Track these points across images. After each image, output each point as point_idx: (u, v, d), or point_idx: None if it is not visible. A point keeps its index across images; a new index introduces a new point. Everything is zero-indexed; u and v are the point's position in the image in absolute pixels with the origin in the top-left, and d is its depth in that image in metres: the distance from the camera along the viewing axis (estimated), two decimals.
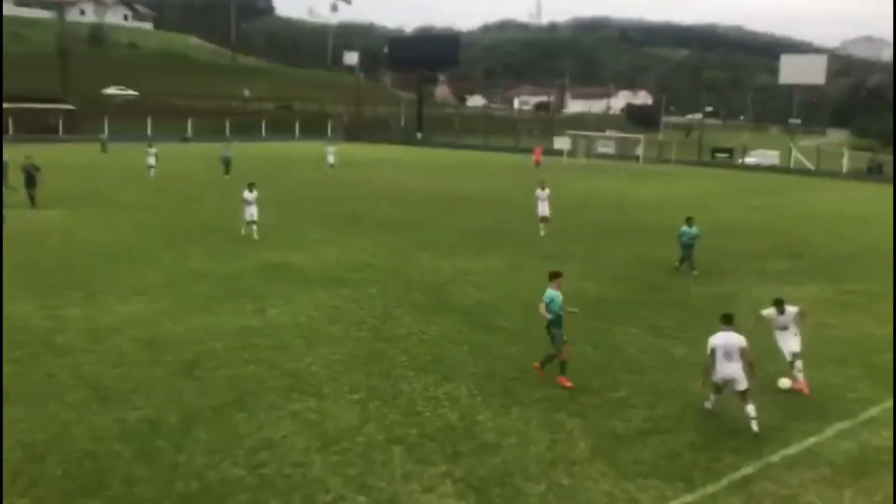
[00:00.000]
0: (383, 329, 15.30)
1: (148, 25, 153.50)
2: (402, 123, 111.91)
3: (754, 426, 10.66)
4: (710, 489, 9.36)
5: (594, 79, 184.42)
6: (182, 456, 9.67)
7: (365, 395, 11.80)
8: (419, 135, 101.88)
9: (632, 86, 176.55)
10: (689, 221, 21.24)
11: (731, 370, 10.83)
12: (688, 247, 21.17)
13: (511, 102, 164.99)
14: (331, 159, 49.77)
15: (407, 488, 9.11)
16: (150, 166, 42.20)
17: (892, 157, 61.42)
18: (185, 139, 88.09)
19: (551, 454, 10.11)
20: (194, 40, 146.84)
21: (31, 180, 30.21)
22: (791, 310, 12.78)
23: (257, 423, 10.69)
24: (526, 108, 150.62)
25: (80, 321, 15.15)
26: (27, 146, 42.23)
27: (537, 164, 58.58)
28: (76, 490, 8.77)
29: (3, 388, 11.59)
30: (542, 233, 26.77)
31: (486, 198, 38.17)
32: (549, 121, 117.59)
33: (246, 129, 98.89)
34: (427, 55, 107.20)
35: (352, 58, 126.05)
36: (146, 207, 31.47)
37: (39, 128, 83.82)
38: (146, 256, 21.56)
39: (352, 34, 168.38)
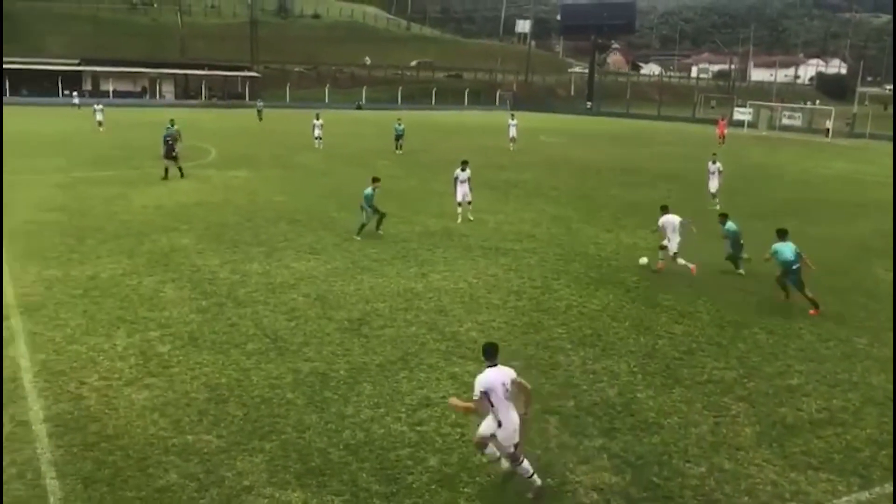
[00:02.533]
0: (542, 300, 15.29)
1: None
2: (572, 93, 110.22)
3: None
4: (888, 488, 8.72)
5: (780, 46, 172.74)
6: (349, 408, 10.20)
7: (522, 364, 11.84)
8: (589, 104, 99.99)
9: (823, 54, 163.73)
10: None
11: None
12: None
13: (688, 70, 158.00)
14: (512, 132, 46.32)
15: (562, 458, 9.13)
16: (317, 137, 42.56)
17: None
18: (358, 107, 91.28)
19: (713, 437, 9.77)
20: (371, 10, 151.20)
21: (169, 150, 29.14)
22: None
23: (418, 383, 11.06)
24: (704, 76, 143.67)
25: (260, 276, 16.24)
26: (211, 111, 45.27)
27: (722, 138, 53.40)
28: (254, 432, 9.48)
29: (193, 334, 12.68)
30: (716, 207, 25.64)
31: (657, 170, 36.98)
32: (729, 90, 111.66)
33: (416, 97, 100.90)
34: (601, 22, 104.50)
35: (524, 26, 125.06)
36: (323, 172, 33.07)
37: (230, 94, 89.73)
38: (322, 218, 22.69)
39: (525, 2, 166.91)
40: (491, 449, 8.46)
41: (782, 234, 15.30)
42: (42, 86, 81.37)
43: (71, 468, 8.43)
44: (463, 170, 22.70)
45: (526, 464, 8.29)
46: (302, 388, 10.75)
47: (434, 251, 19.00)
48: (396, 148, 41.48)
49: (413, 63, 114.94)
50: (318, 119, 43.74)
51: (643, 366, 12.03)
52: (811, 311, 14.74)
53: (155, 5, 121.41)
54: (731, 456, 9.31)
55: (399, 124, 42.36)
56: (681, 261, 17.17)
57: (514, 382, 8.14)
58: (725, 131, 55.17)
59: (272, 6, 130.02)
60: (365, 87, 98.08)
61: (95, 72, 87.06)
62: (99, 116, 50.31)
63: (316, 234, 20.46)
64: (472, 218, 22.81)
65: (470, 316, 14.10)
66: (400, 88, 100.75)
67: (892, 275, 17.95)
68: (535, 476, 8.29)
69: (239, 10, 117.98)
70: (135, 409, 9.93)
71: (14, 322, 12.87)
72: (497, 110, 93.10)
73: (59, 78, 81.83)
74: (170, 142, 28.94)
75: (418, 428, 9.73)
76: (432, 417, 10.01)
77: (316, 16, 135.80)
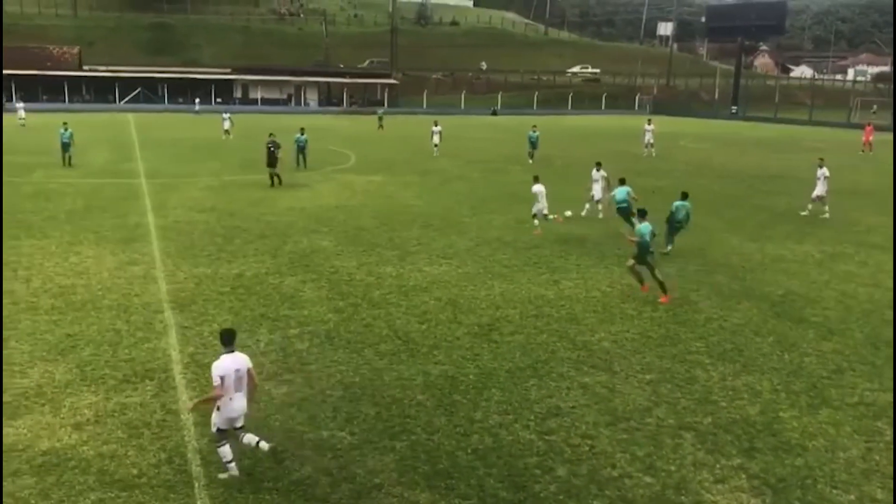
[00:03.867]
0: (679, 312, 14.76)
1: (468, 3, 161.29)
2: (716, 96, 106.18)
3: None
4: None
5: None
6: (478, 413, 10.21)
7: (657, 377, 11.51)
8: (734, 108, 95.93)
9: None
10: None
11: None
12: None
13: (843, 73, 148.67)
14: (648, 137, 44.83)
15: (697, 476, 8.76)
16: (435, 144, 41.91)
17: None
18: (493, 112, 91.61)
19: (864, 464, 9.09)
20: (510, 15, 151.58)
21: (272, 159, 29.06)
22: None
23: (547, 391, 10.93)
24: (862, 79, 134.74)
25: (394, 278, 16.57)
26: (351, 117, 46.46)
27: (868, 146, 49.69)
28: (385, 431, 9.67)
29: (329, 332, 13.10)
30: (825, 215, 24.52)
31: (806, 177, 34.98)
32: (891, 94, 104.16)
33: (553, 101, 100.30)
34: (749, 23, 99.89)
35: (666, 28, 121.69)
36: (458, 177, 33.42)
37: (370, 101, 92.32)
38: (455, 222, 22.92)
39: (668, 4, 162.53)
40: (227, 451, 8.40)
41: (643, 214, 16.00)
42: (197, 94, 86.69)
43: (214, 457, 8.87)
44: (597, 170, 23.99)
45: (226, 449, 8.38)
46: (432, 391, 10.86)
47: (566, 258, 18.77)
48: (529, 157, 39.03)
49: (576, 69, 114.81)
50: (436, 126, 42.54)
51: (787, 384, 11.38)
52: (661, 299, 15.14)
53: (301, 16, 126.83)
54: (885, 485, 8.63)
55: (534, 131, 40.22)
56: None
57: (248, 371, 8.43)
58: (871, 138, 51.25)
59: (412, 15, 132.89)
60: (501, 93, 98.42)
61: (245, 80, 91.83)
62: (226, 125, 50.21)
63: (448, 238, 20.68)
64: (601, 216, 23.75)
65: (603, 325, 13.82)
66: (536, 94, 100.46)
67: None
68: (233, 465, 8.41)
69: (380, 18, 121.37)
70: (274, 403, 10.35)
71: (167, 315, 13.74)
72: (636, 115, 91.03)
73: (213, 87, 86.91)
74: (272, 149, 29.17)
75: (547, 437, 9.61)
76: (562, 427, 9.86)
77: (454, 23, 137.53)
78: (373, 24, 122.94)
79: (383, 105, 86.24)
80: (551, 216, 20.89)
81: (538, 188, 21.22)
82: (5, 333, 12.53)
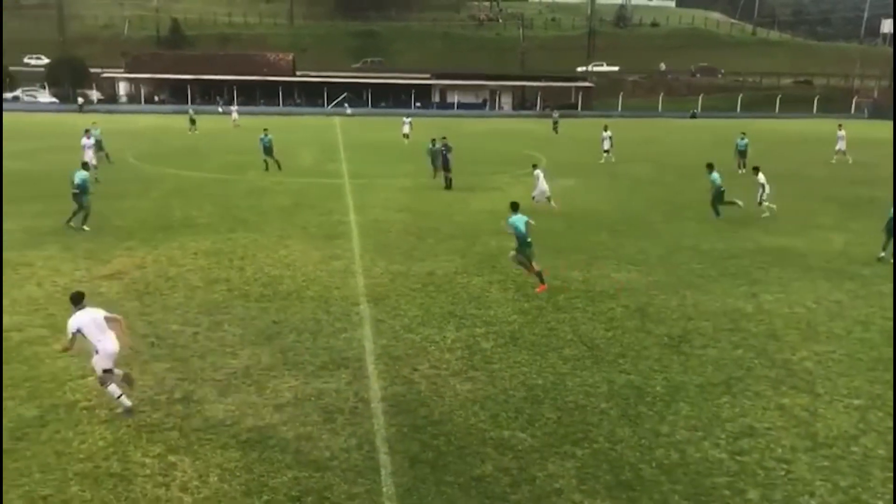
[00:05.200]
0: None
1: (670, 3, 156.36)
2: None
3: None
4: None
5: None
6: (664, 426, 9.88)
7: (865, 403, 10.57)
8: None
9: None
10: None
11: None
12: None
13: None
14: (840, 145, 40.56)
15: None
16: (605, 151, 39.57)
17: None
18: (693, 115, 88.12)
19: None
20: (715, 15, 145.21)
21: (445, 162, 29.43)
22: None
23: (741, 409, 10.36)
24: None
25: (580, 283, 16.39)
26: (543, 121, 46.14)
27: None
28: (566, 436, 9.59)
29: (514, 333, 13.20)
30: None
31: None
32: None
33: (759, 105, 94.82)
34: None
35: (888, 26, 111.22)
36: (650, 181, 32.49)
37: (563, 105, 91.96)
38: (646, 228, 22.30)
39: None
40: (113, 388, 9.76)
41: (515, 207, 16.33)
42: (399, 98, 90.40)
43: (400, 446, 9.22)
44: (755, 173, 24.42)
45: (113, 387, 9.78)
46: (616, 400, 10.63)
47: (767, 270, 17.68)
48: (739, 167, 34.54)
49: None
50: (606, 131, 40.08)
51: None
52: (538, 289, 15.53)
53: (500, 21, 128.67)
54: None
55: (742, 138, 36.40)
56: None
57: (106, 318, 9.91)
58: None
59: (611, 17, 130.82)
60: (701, 95, 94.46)
61: (443, 85, 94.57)
62: (406, 129, 49.66)
63: (638, 244, 20.14)
64: (766, 215, 23.74)
65: (805, 344, 12.89)
66: (740, 96, 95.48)
67: None
68: (123, 398, 9.84)
69: (577, 21, 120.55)
70: (458, 399, 10.58)
71: (362, 308, 14.45)
72: (852, 119, 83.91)
73: (413, 91, 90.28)
74: (444, 153, 29.63)
75: (738, 457, 9.10)
76: (755, 448, 9.31)
77: (654, 24, 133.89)
78: (570, 27, 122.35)
79: (576, 108, 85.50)
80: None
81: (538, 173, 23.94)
82: (219, 317, 13.74)
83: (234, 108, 67.33)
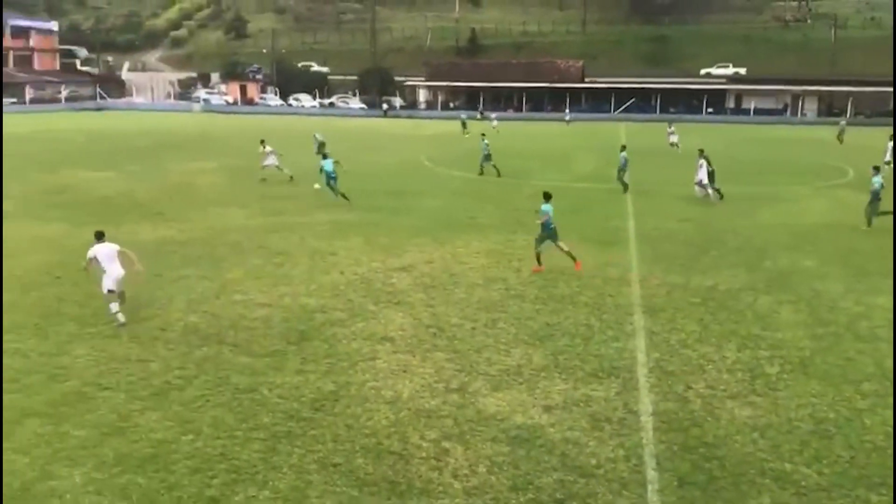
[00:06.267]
0: None
1: None
2: None
3: None
4: None
5: None
6: None
7: None
8: None
9: None
10: None
11: None
12: None
13: None
14: None
15: None
16: (887, 162, 34.96)
17: None
18: None
19: None
20: None
21: (710, 174, 27.51)
22: None
23: None
24: None
25: (887, 310, 14.59)
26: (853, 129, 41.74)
27: None
28: (859, 479, 8.60)
29: (804, 360, 12.13)
30: None
31: None
32: None
33: None
34: None
35: None
36: None
37: (876, 111, 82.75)
38: None
39: None
40: (113, 305, 13.14)
41: (547, 197, 17.52)
42: (690, 104, 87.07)
43: (669, 464, 8.90)
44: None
45: (113, 305, 13.14)
46: None
47: None
48: None
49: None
50: (892, 141, 35.04)
51: None
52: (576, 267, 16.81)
53: (808, 21, 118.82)
54: None
55: None
56: None
57: (119, 252, 13.18)
58: None
59: None
60: None
61: (739, 90, 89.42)
62: (673, 138, 47.38)
63: None
64: None
65: None
66: None
67: None
68: (119, 315, 13.13)
69: None
70: (735, 423, 9.96)
71: (636, 319, 14.14)
72: None
73: (705, 97, 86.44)
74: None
75: None
76: None
77: None
78: (891, 26, 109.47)
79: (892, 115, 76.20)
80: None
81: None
82: (496, 315, 14.23)
83: (495, 114, 71.02)
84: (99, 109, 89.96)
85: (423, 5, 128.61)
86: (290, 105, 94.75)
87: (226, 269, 17.29)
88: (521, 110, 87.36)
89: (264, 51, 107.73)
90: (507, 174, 33.97)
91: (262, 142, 32.38)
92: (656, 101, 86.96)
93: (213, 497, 8.12)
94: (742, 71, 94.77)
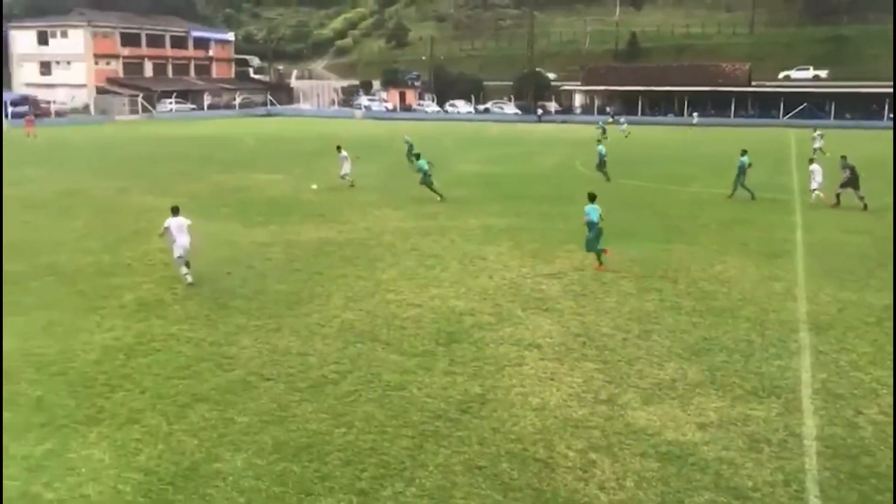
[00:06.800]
0: None
1: None
2: None
3: None
4: None
5: None
6: None
7: None
8: None
9: None
10: None
11: None
12: None
13: None
14: None
15: None
16: None
17: None
18: None
19: None
20: None
21: (854, 181, 26.39)
22: None
23: None
24: None
25: None
26: None
27: None
28: None
29: None
30: None
31: None
32: None
33: None
34: None
35: None
36: None
37: None
38: None
39: None
40: (183, 269, 16.13)
41: (592, 198, 18.21)
42: (869, 109, 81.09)
43: (835, 493, 8.30)
44: None
45: (183, 269, 16.16)
46: None
47: None
48: None
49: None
50: None
51: None
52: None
53: None
54: None
55: None
56: None
57: (188, 226, 16.01)
58: None
59: None
60: None
61: None
62: (817, 143, 43.37)
63: None
64: None
65: None
66: None
67: None
68: (188, 276, 16.16)
69: None
70: None
71: (802, 336, 13.29)
72: None
73: (886, 101, 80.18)
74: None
75: None
76: None
77: None
78: None
79: None
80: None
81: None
82: (649, 326, 13.82)
83: (624, 118, 71.75)
84: (268, 115, 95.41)
85: (582, 9, 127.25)
86: (447, 111, 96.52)
87: (380, 270, 17.84)
88: (682, 114, 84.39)
89: (423, 58, 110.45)
90: (665, 180, 32.99)
91: (339, 147, 31.99)
92: (830, 106, 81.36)
93: (363, 489, 8.38)
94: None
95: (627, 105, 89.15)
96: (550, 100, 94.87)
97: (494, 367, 11.91)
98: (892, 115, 76.85)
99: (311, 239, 21.12)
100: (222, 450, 9.24)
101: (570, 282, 16.84)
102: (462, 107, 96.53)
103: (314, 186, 30.29)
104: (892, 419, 10.08)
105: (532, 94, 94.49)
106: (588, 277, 17.16)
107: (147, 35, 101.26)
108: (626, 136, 59.63)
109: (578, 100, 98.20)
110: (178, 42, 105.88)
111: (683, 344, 12.94)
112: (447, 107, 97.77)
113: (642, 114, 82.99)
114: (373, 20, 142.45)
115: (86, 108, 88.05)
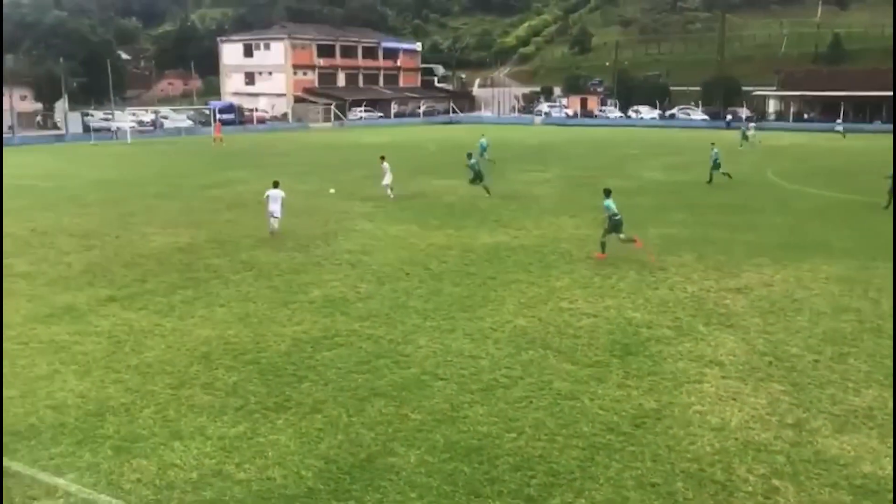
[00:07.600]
0: None
1: None
2: None
3: None
4: None
5: None
6: None
7: None
8: None
9: None
10: None
11: None
12: None
13: None
14: None
15: None
16: None
17: None
18: None
19: None
20: None
21: None
22: None
23: None
24: None
25: None
26: None
27: None
28: None
29: None
30: None
31: None
32: None
33: None
34: None
35: None
36: None
37: None
38: None
39: None
40: (271, 221, 22.26)
41: (608, 193, 19.56)
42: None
43: None
44: None
45: (273, 222, 22.28)
46: None
47: None
48: None
49: None
50: None
51: None
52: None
53: None
54: None
55: None
56: None
57: (282, 198, 22.19)
58: None
59: None
60: None
61: None
62: None
63: None
64: None
65: None
66: None
67: None
68: (271, 229, 22.30)
69: None
70: None
71: None
72: None
73: None
74: None
75: None
76: None
77: None
78: None
79: None
80: None
81: None
82: (845, 349, 12.77)
83: (752, 124, 66.50)
84: (449, 122, 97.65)
85: (778, 10, 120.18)
86: (630, 117, 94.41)
87: (554, 277, 17.71)
88: (892, 122, 77.32)
89: (606, 63, 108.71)
90: (861, 192, 30.43)
91: (382, 158, 30.91)
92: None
93: (531, 496, 8.35)
94: None
95: (828, 111, 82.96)
96: (741, 105, 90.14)
97: (672, 383, 11.47)
98: None
99: (486, 244, 21.35)
100: (396, 444, 9.53)
101: (758, 297, 15.91)
102: (646, 112, 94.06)
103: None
104: None
105: (722, 100, 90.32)
106: (777, 294, 16.14)
107: (341, 46, 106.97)
108: (758, 143, 55.15)
109: (772, 105, 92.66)
110: (369, 53, 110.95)
111: (885, 370, 11.84)
112: (630, 112, 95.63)
113: (845, 120, 76.71)
114: (556, 27, 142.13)
115: (284, 116, 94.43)
